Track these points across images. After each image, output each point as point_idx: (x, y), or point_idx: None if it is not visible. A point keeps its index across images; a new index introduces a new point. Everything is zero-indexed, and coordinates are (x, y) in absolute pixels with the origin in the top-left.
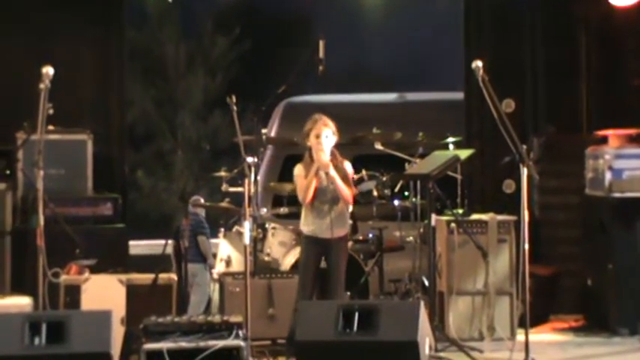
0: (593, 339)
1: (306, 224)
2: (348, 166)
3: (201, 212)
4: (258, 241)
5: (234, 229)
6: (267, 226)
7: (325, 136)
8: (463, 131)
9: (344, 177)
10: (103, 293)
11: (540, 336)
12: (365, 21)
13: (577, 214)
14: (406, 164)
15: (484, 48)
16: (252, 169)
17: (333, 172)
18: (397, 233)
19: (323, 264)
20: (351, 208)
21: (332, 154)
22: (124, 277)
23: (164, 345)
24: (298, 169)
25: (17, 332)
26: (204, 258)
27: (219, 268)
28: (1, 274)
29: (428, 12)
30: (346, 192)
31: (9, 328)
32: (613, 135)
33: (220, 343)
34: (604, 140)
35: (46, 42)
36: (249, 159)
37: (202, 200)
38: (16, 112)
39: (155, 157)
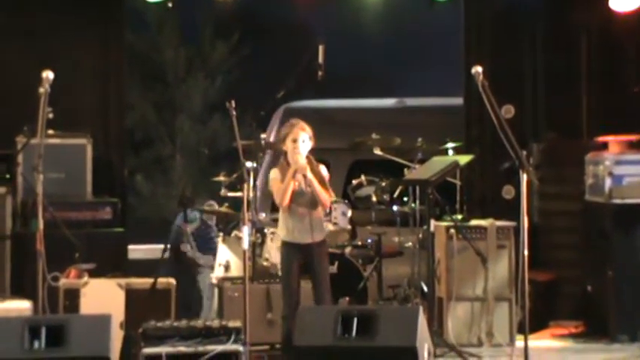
0: (593, 345)
1: (285, 229)
2: (323, 170)
3: (211, 219)
4: (257, 246)
5: (232, 234)
6: (265, 231)
7: (302, 141)
8: (463, 137)
9: (321, 180)
10: (102, 297)
11: (539, 342)
12: (365, 26)
13: (577, 221)
14: (405, 170)
15: (484, 53)
16: (251, 174)
17: (310, 176)
18: (396, 239)
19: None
20: (350, 213)
21: (308, 158)
22: (123, 281)
23: (163, 349)
24: (274, 173)
25: (17, 336)
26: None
27: (218, 272)
28: (0, 278)
29: (428, 17)
30: (324, 196)
31: (9, 331)
32: (613, 141)
33: (219, 348)
34: (604, 146)
35: (46, 46)
36: (248, 164)
37: (216, 206)
38: (16, 117)
39: (154, 162)
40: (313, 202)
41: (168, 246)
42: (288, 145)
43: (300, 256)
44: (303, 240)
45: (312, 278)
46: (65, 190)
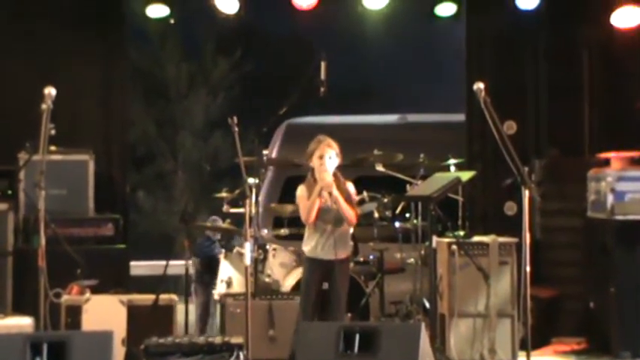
0: None
1: (309, 245)
2: (350, 187)
3: (213, 234)
4: (259, 262)
5: (234, 250)
6: (267, 247)
7: (329, 157)
8: (464, 153)
9: (347, 198)
10: (104, 314)
11: (542, 359)
12: (368, 42)
13: (579, 237)
14: (407, 186)
15: (486, 69)
16: (253, 190)
17: (336, 193)
18: (398, 255)
19: (324, 285)
20: (351, 230)
21: (335, 175)
22: (124, 297)
23: None
24: (301, 190)
25: (18, 352)
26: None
27: (220, 289)
28: (2, 295)
29: (430, 33)
30: (350, 213)
31: (10, 348)
32: (615, 157)
33: None
34: (606, 163)
35: (49, 63)
36: (250, 180)
37: (219, 221)
38: (18, 133)
39: (156, 178)
40: (339, 219)
41: (190, 262)
42: (314, 162)
43: (322, 273)
44: (326, 257)
45: (329, 295)
46: (67, 207)
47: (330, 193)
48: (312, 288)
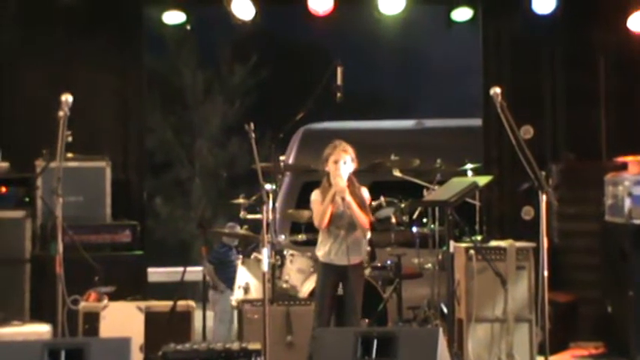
0: None
1: (322, 250)
2: (365, 193)
3: (231, 241)
4: (277, 268)
5: (252, 256)
6: (285, 253)
7: (343, 162)
8: (482, 158)
9: (361, 203)
10: (122, 320)
11: None
12: (384, 47)
13: (596, 241)
14: (424, 191)
15: (502, 74)
16: (270, 196)
17: (349, 198)
18: (415, 260)
19: (340, 291)
20: (369, 235)
21: (349, 180)
22: (142, 304)
23: None
24: (315, 195)
25: (36, 359)
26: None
27: (238, 295)
28: (20, 302)
29: (445, 38)
30: (363, 218)
31: (28, 355)
32: (632, 161)
33: None
34: (623, 167)
35: (65, 70)
36: (267, 186)
37: (237, 227)
38: (35, 140)
39: (173, 185)
40: (352, 225)
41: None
42: (329, 167)
43: (336, 278)
44: (339, 262)
45: (344, 300)
46: (84, 213)
47: (344, 198)
48: (326, 293)
